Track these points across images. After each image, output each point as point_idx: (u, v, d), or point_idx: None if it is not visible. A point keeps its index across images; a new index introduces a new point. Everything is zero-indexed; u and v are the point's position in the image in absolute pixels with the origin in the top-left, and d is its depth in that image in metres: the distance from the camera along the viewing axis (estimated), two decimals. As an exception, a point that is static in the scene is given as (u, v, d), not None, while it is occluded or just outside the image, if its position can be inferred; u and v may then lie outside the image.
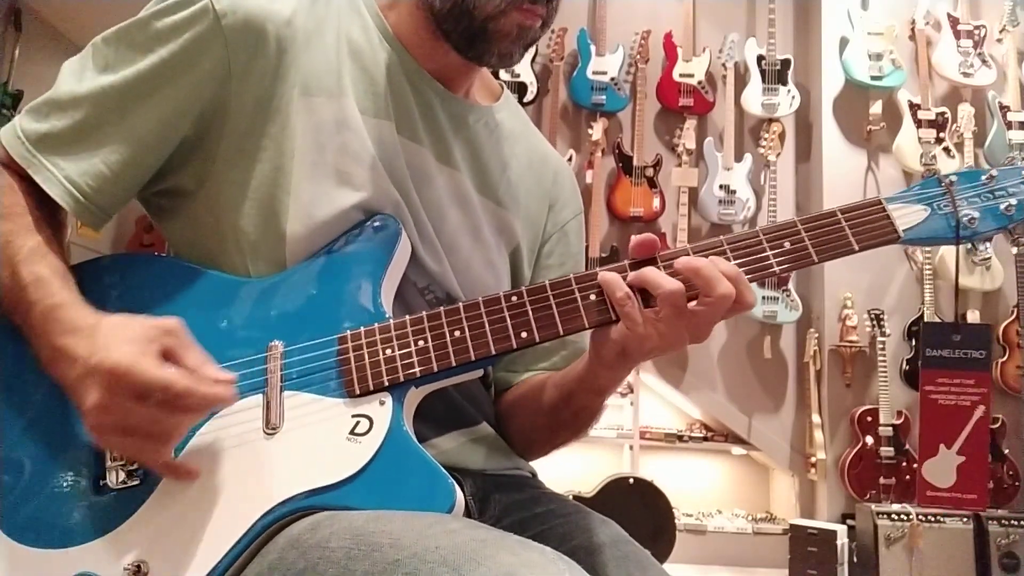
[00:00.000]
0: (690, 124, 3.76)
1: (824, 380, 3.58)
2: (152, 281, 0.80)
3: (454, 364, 0.71)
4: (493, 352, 0.71)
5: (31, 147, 0.76)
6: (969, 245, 0.75)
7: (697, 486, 3.95)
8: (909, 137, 3.61)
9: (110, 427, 0.64)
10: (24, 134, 0.76)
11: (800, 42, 3.97)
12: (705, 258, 0.70)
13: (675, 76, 3.83)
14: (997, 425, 3.21)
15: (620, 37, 3.86)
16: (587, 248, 3.46)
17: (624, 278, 0.71)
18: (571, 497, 0.91)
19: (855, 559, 3.12)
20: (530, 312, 0.72)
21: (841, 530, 3.09)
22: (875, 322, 3.43)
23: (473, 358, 0.71)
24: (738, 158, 3.75)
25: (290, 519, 0.66)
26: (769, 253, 0.72)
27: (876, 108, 3.69)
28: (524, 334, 0.72)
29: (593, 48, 3.82)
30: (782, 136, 3.76)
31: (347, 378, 0.71)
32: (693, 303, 0.69)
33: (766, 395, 3.72)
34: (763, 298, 3.54)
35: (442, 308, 0.74)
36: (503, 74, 3.70)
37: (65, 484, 0.70)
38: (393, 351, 0.72)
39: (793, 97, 3.76)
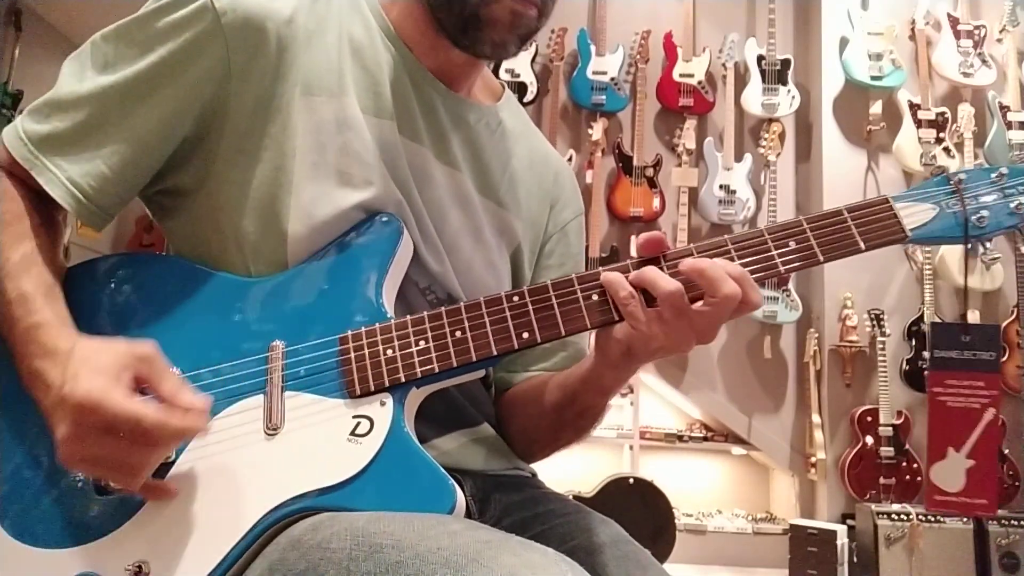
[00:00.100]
0: (690, 124, 3.76)
1: (824, 380, 3.58)
2: (152, 281, 0.80)
3: (455, 364, 0.71)
4: (495, 352, 0.71)
5: (34, 148, 0.75)
6: (980, 246, 0.74)
7: (697, 486, 3.95)
8: (909, 137, 3.61)
9: (79, 459, 0.63)
10: (27, 135, 0.76)
11: (800, 42, 3.97)
12: (710, 259, 0.70)
13: (675, 76, 3.83)
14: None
15: (620, 37, 3.86)
16: (587, 248, 3.46)
17: (627, 278, 0.71)
18: (571, 497, 0.90)
19: (855, 559, 3.12)
20: (532, 312, 0.72)
21: (841, 530, 3.09)
22: (875, 322, 3.43)
23: (474, 358, 0.71)
24: (738, 158, 3.75)
25: (291, 520, 0.66)
26: (774, 253, 0.71)
27: (876, 108, 3.69)
28: (526, 334, 0.71)
29: (593, 48, 3.82)
30: (782, 136, 3.76)
31: (348, 378, 0.71)
32: (699, 303, 0.69)
33: (766, 395, 3.72)
34: (763, 298, 3.54)
35: (443, 308, 0.73)
36: (503, 74, 3.70)
37: (67, 484, 0.70)
38: (394, 351, 0.71)
39: (793, 97, 3.76)
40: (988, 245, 3.32)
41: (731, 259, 0.71)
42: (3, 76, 3.74)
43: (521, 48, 0.84)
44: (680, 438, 3.84)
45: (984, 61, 3.66)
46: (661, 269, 0.71)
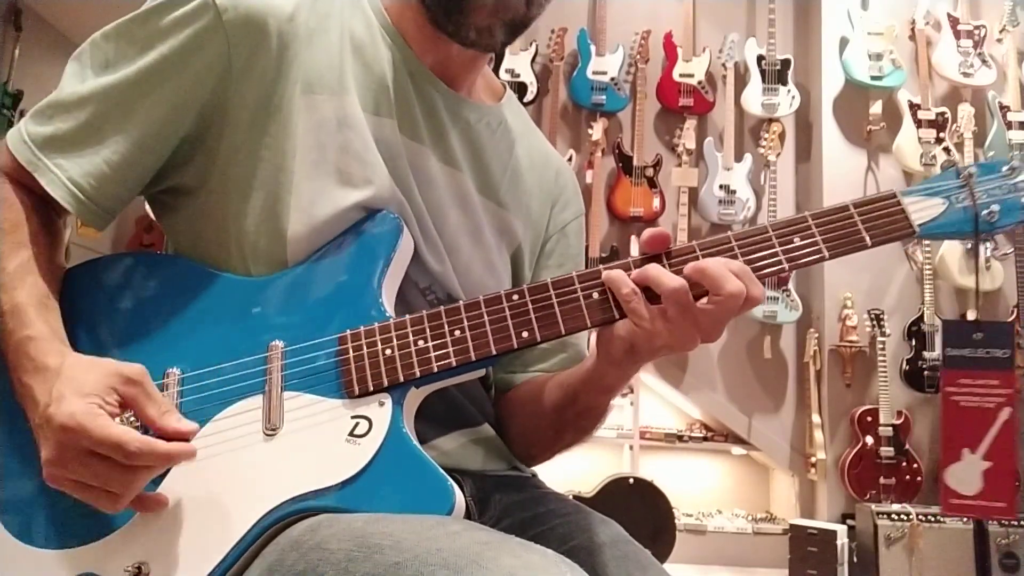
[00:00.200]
0: (690, 124, 3.76)
1: (824, 380, 3.58)
2: (151, 281, 0.80)
3: (454, 364, 0.71)
4: (494, 352, 0.71)
5: (37, 150, 0.75)
6: (990, 243, 0.72)
7: (697, 486, 3.95)
8: (909, 137, 3.61)
9: (63, 480, 0.64)
10: (30, 137, 0.76)
11: (800, 42, 3.97)
12: (711, 257, 0.69)
13: (675, 76, 3.83)
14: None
15: (620, 37, 3.86)
16: (587, 248, 3.46)
17: (629, 275, 0.70)
18: (571, 497, 0.90)
19: (855, 559, 3.12)
20: (531, 311, 0.71)
21: (841, 530, 3.10)
22: (875, 322, 3.43)
23: (474, 358, 0.71)
24: (738, 158, 3.75)
25: (290, 520, 0.66)
26: (779, 250, 0.70)
27: (876, 108, 3.69)
28: (525, 334, 0.71)
29: (593, 48, 3.82)
30: (782, 136, 3.76)
31: (347, 379, 0.71)
32: (703, 300, 0.68)
33: (766, 395, 3.72)
34: (765, 292, 3.54)
35: (442, 307, 0.73)
36: (503, 74, 3.70)
37: None
38: (393, 351, 0.71)
39: (793, 97, 3.76)
40: (988, 243, 3.32)
41: (735, 256, 0.70)
42: (3, 76, 3.74)
43: (512, 38, 0.82)
44: (680, 438, 3.84)
45: (984, 61, 3.66)
46: (664, 267, 0.70)
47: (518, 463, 0.91)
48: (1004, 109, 3.60)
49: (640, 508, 3.11)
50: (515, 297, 0.72)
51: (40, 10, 3.92)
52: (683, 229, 3.62)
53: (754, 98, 3.76)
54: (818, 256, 0.70)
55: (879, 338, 3.41)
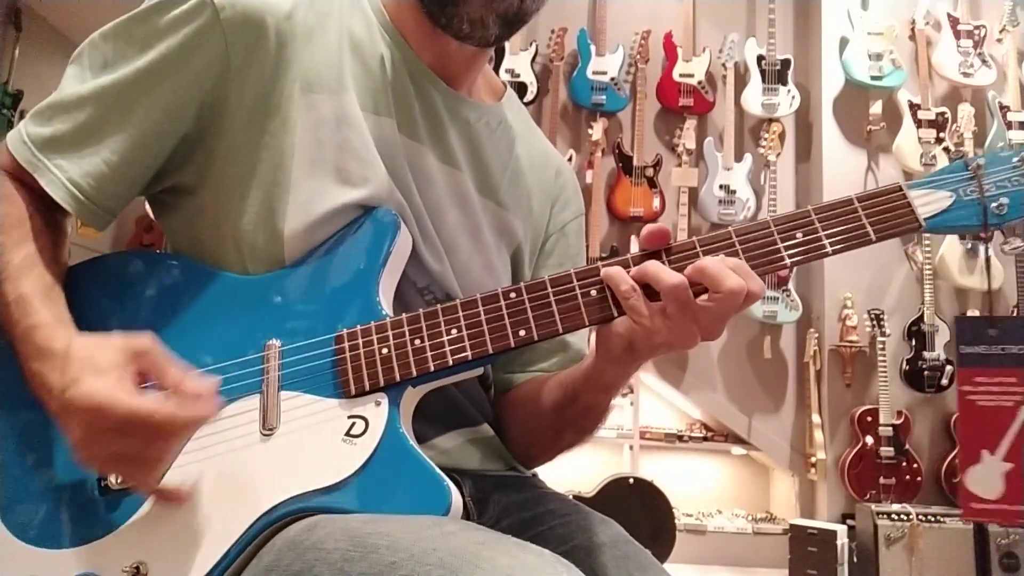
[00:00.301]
0: (690, 124, 3.76)
1: (824, 380, 3.58)
2: (150, 279, 0.80)
3: (451, 364, 0.70)
4: (490, 351, 0.70)
5: (36, 151, 0.76)
6: (1000, 235, 0.70)
7: (697, 486, 3.94)
8: (909, 137, 3.60)
9: (100, 459, 0.64)
10: (30, 138, 0.76)
11: (800, 42, 3.97)
12: (712, 253, 0.68)
13: (675, 76, 3.83)
14: (997, 425, 3.21)
15: (620, 37, 3.86)
16: (587, 248, 3.46)
17: (628, 272, 0.69)
18: (571, 497, 0.90)
19: (855, 559, 3.12)
20: (529, 310, 0.71)
21: (841, 530, 3.09)
22: (875, 322, 3.43)
23: (470, 357, 0.70)
24: (738, 158, 3.75)
25: (287, 521, 0.66)
26: (780, 245, 0.69)
27: (876, 108, 3.69)
28: (522, 332, 0.70)
29: (593, 48, 3.82)
30: (782, 136, 3.76)
31: (343, 378, 0.70)
32: (703, 297, 0.67)
33: (766, 395, 3.72)
34: (763, 298, 3.54)
35: (439, 306, 0.72)
36: (503, 74, 3.70)
37: (68, 484, 0.70)
38: (389, 350, 0.70)
39: (793, 97, 3.76)
40: (991, 239, 3.31)
41: (735, 252, 0.69)
42: (3, 76, 3.74)
43: (507, 32, 0.81)
44: (680, 438, 3.84)
45: (984, 61, 3.66)
46: (664, 263, 0.69)
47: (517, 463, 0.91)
48: (1004, 109, 3.60)
49: (640, 508, 3.11)
50: (512, 295, 0.71)
51: (40, 10, 3.92)
52: (683, 229, 3.63)
53: (754, 98, 3.76)
54: (820, 252, 0.68)
55: (879, 338, 3.41)
